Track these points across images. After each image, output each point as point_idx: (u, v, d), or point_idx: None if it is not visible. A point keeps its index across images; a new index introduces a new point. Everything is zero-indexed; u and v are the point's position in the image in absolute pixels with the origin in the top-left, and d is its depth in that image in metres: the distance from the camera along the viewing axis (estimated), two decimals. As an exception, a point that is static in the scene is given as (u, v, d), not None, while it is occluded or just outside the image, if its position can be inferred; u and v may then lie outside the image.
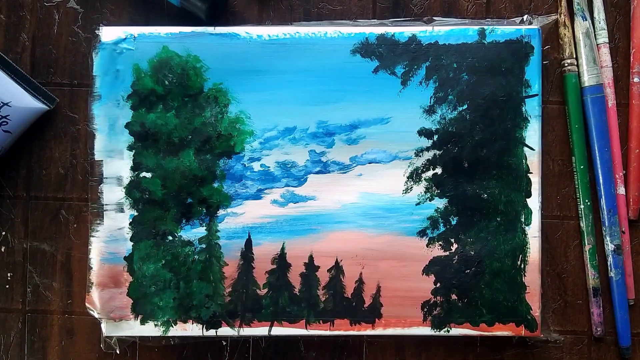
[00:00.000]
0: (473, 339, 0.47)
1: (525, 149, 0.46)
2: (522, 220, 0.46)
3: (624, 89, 0.48)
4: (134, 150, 0.46)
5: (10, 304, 0.48)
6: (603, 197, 0.47)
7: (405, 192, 0.46)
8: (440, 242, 0.46)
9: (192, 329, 0.45)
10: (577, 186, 0.47)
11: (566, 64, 0.47)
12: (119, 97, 0.46)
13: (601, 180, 0.47)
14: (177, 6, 0.46)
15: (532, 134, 0.46)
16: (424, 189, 0.46)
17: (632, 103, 0.47)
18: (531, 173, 0.46)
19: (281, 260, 0.46)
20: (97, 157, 0.46)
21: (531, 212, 0.46)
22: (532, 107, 0.46)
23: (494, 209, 0.46)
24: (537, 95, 0.46)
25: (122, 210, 0.45)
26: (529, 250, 0.45)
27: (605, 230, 0.47)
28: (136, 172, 0.46)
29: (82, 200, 0.48)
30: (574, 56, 0.47)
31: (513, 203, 0.46)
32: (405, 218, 0.46)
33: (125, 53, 0.46)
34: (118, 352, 0.46)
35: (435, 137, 0.46)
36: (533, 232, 0.46)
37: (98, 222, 0.45)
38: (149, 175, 0.46)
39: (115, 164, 0.46)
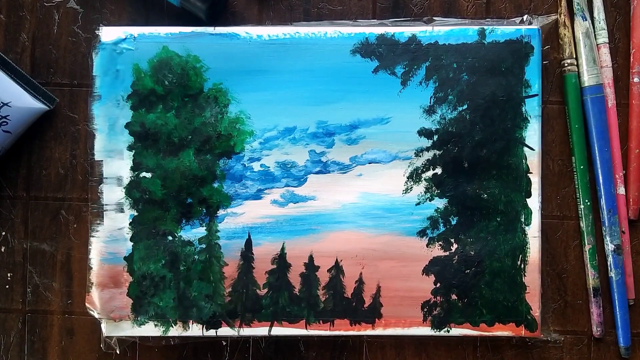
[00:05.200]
0: (473, 339, 0.47)
1: (525, 149, 0.46)
2: (522, 220, 0.46)
3: (624, 89, 0.48)
4: (134, 150, 0.46)
5: (10, 304, 0.48)
6: (603, 197, 0.47)
7: (405, 192, 0.46)
8: (440, 242, 0.46)
9: (192, 329, 0.45)
10: (577, 186, 0.47)
11: (566, 64, 0.47)
12: (119, 97, 0.46)
13: (601, 180, 0.47)
14: (177, 6, 0.46)
15: (532, 134, 0.46)
16: (424, 189, 0.46)
17: (632, 103, 0.47)
18: (531, 173, 0.46)
19: (281, 260, 0.46)
20: (97, 157, 0.46)
21: (531, 212, 0.46)
22: (532, 107, 0.46)
23: (494, 209, 0.46)
24: (537, 95, 0.46)
25: (122, 210, 0.45)
26: (529, 250, 0.45)
27: (605, 230, 0.47)
28: (136, 172, 0.46)
29: (82, 200, 0.48)
30: (574, 56, 0.47)
31: (513, 203, 0.46)
32: (405, 218, 0.46)
33: (125, 53, 0.46)
34: (118, 352, 0.46)
35: (435, 137, 0.46)
36: (533, 232, 0.46)
37: (98, 222, 0.46)
38: (149, 175, 0.46)
39: (115, 164, 0.46)
